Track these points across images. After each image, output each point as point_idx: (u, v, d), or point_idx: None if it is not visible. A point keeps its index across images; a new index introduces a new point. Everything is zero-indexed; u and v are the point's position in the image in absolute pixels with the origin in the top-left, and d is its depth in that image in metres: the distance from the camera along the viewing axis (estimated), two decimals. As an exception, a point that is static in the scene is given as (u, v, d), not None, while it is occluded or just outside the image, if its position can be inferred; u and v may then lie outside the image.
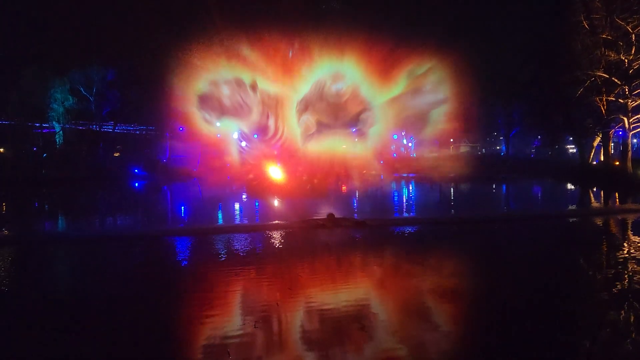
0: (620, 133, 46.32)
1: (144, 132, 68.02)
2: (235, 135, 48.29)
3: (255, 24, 41.34)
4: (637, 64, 40.69)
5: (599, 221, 22.56)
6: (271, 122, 42.45)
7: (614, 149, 51.37)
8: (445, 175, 49.89)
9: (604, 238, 18.88)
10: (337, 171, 41.27)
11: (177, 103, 42.96)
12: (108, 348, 8.16)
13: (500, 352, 7.87)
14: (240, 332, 8.57)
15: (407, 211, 27.38)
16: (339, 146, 44.51)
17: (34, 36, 57.39)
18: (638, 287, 11.09)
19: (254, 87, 41.54)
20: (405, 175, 54.31)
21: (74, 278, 13.67)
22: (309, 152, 40.63)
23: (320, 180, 35.29)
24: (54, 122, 59.94)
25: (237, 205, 30.90)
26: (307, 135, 41.91)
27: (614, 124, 45.13)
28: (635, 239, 17.33)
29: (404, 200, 34.17)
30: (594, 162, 51.98)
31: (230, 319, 9.32)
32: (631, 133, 43.17)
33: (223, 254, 15.79)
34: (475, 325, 9.17)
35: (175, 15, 50.60)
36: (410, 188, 44.00)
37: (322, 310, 9.71)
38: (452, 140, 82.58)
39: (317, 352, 7.81)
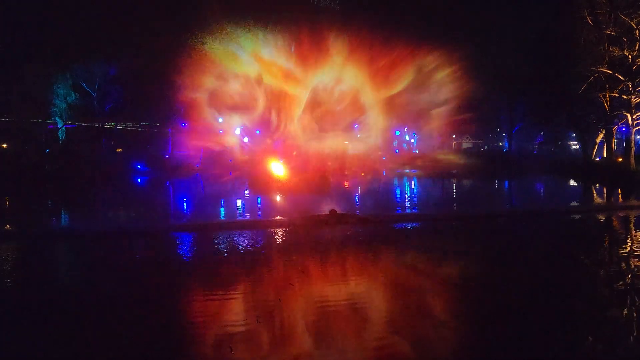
0: (624, 129, 46.16)
1: (146, 128, 68.02)
2: (238, 131, 48.36)
3: (258, 20, 41.28)
4: (640, 60, 40.54)
5: (601, 218, 22.52)
6: (274, 118, 42.49)
7: (617, 146, 51.22)
8: (448, 171, 49.89)
9: (606, 235, 18.85)
10: (340, 167, 41.30)
11: (179, 99, 43.03)
12: (111, 343, 8.20)
13: (504, 348, 7.88)
14: (243, 327, 8.59)
15: (410, 207, 27.34)
16: (342, 142, 44.53)
17: (37, 31, 57.27)
18: (641, 283, 11.08)
19: (256, 83, 41.53)
20: (407, 171, 54.26)
21: (77, 274, 13.69)
22: (311, 148, 40.64)
23: (322, 176, 35.25)
24: (56, 118, 59.96)
25: (239, 201, 30.91)
26: (310, 132, 41.90)
27: (617, 121, 44.99)
28: (639, 235, 17.29)
29: (407, 197, 34.13)
30: (597, 159, 51.81)
31: (233, 315, 9.34)
32: (634, 129, 43.00)
33: (225, 250, 15.81)
34: (478, 320, 9.17)
35: (178, 10, 50.56)
36: (413, 184, 43.95)
37: (323, 307, 9.73)
38: (454, 136, 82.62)
39: (318, 349, 7.82)
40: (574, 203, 29.12)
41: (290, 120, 41.68)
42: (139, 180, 52.25)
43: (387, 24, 44.01)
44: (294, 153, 40.76)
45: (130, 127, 68.14)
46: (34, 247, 16.59)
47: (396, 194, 35.53)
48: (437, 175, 47.71)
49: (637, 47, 40.24)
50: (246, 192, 35.65)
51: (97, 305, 10.17)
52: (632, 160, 42.68)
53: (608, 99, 43.74)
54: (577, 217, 23.34)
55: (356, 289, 11.00)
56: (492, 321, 9.07)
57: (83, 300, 10.58)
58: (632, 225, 19.65)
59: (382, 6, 49.58)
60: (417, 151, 74.44)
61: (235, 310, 9.61)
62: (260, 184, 34.73)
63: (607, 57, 41.47)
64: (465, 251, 15.20)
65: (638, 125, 43.08)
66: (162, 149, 64.02)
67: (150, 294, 10.96)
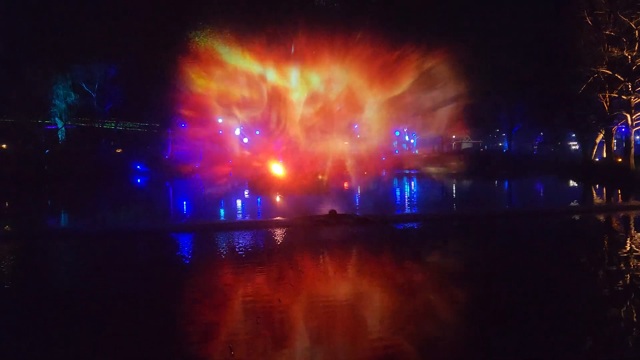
0: (623, 130, 46.18)
1: (146, 128, 68.02)
2: (237, 132, 48.39)
3: (257, 20, 41.31)
4: (640, 60, 40.55)
5: (601, 218, 22.53)
6: (273, 119, 42.50)
7: (616, 146, 51.21)
8: (447, 171, 49.92)
9: (606, 235, 18.86)
10: (339, 168, 41.29)
11: (179, 99, 43.05)
12: (110, 343, 8.20)
13: (504, 348, 7.89)
14: (242, 327, 8.59)
15: (410, 207, 27.34)
16: (342, 143, 44.54)
17: (37, 31, 57.24)
18: (641, 284, 11.09)
19: (256, 83, 41.53)
20: (407, 171, 54.27)
21: (76, 274, 13.68)
22: (311, 148, 40.64)
23: (322, 177, 35.25)
24: (56, 118, 59.98)
25: (238, 202, 30.90)
26: (309, 132, 41.90)
27: (617, 121, 45.00)
28: (638, 235, 17.30)
29: (406, 197, 34.14)
30: (597, 159, 51.81)
31: (232, 315, 9.34)
32: (634, 130, 43.02)
33: (224, 250, 15.81)
34: (478, 320, 9.17)
35: (177, 11, 50.55)
36: (412, 184, 43.97)
37: (323, 307, 9.73)
38: (454, 136, 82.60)
39: (318, 348, 7.83)
40: (573, 203, 29.13)
41: (290, 121, 41.69)
42: (138, 180, 52.26)
43: (386, 25, 44.05)
44: (294, 153, 40.74)
45: (130, 127, 68.13)
46: (34, 247, 16.59)
47: (396, 194, 35.53)
48: (436, 176, 47.75)
49: (636, 48, 40.26)
50: (246, 192, 35.64)
51: (95, 304, 10.17)
52: (632, 161, 42.69)
53: (607, 99, 43.76)
54: (576, 217, 23.35)
55: (356, 289, 11.00)
56: (492, 321, 9.07)
57: (82, 300, 10.56)
58: (632, 225, 19.68)
59: (381, 6, 49.61)
60: (416, 151, 74.49)
61: (234, 311, 9.61)
62: (260, 185, 34.70)
63: (606, 58, 41.48)
64: (465, 251, 15.21)
65: (638, 126, 43.10)
66: (161, 149, 63.98)
67: (149, 294, 10.96)
